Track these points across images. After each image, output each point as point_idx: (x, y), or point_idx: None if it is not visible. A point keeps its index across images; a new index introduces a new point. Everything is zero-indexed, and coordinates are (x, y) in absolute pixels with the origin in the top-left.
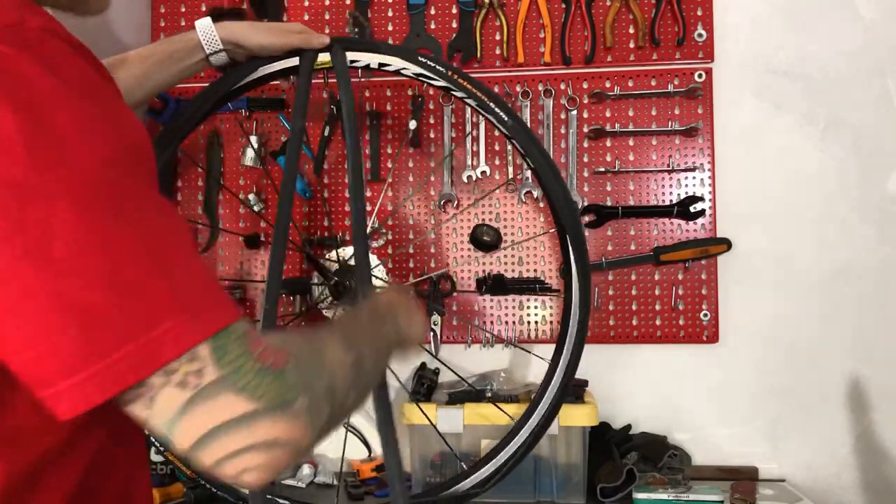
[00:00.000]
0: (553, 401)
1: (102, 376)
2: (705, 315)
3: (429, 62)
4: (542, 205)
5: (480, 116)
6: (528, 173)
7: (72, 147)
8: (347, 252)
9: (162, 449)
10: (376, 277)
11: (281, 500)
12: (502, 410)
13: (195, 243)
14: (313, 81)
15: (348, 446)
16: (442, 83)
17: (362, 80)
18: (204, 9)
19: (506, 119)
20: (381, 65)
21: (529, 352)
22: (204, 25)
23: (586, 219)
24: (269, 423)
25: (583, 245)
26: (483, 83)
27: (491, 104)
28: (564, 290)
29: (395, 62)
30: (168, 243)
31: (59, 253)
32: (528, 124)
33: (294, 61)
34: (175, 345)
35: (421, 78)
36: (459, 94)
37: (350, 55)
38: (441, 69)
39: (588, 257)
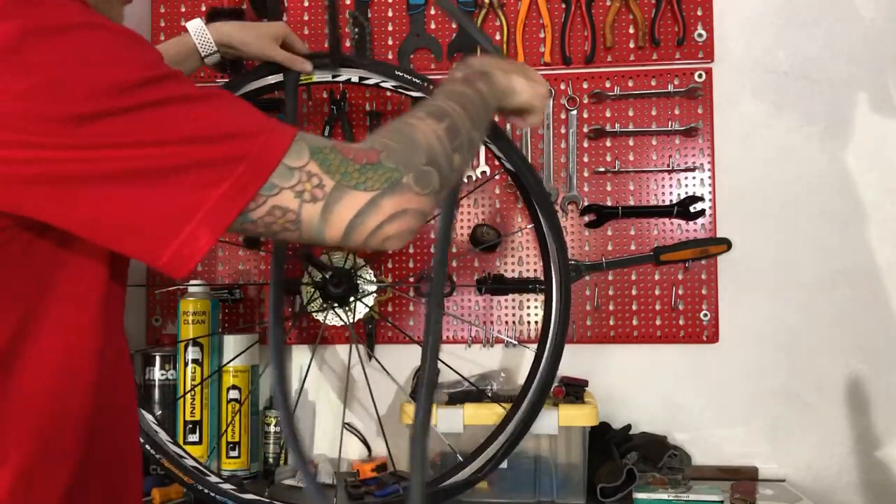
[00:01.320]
0: (539, 387)
1: (213, 213)
2: (705, 315)
3: (405, 75)
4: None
5: None
6: None
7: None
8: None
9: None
10: (363, 279)
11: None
12: (504, 409)
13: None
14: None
15: (348, 446)
16: (419, 94)
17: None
18: (204, 9)
19: None
20: (361, 79)
21: (529, 349)
22: (196, 28)
23: (586, 219)
24: (389, 201)
25: (554, 216)
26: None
27: None
28: (544, 270)
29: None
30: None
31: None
32: None
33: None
34: (278, 148)
35: (399, 91)
36: None
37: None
38: (417, 81)
39: (561, 232)
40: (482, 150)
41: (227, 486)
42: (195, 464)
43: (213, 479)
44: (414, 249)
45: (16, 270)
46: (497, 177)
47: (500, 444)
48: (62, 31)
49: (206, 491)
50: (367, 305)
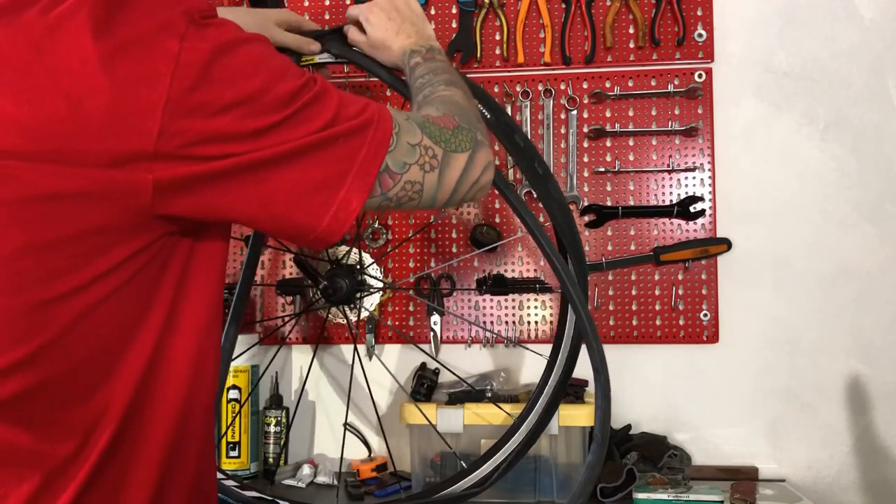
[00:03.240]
0: (550, 398)
1: (359, 175)
2: (705, 315)
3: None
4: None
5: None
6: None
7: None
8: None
9: None
10: (371, 276)
11: (281, 502)
12: (502, 410)
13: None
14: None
15: (348, 446)
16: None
17: (363, 79)
18: None
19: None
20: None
21: (529, 349)
22: None
23: (586, 219)
24: (479, 155)
25: (576, 235)
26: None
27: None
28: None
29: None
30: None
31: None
32: (529, 124)
33: None
34: (384, 136)
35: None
36: None
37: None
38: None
39: (581, 245)
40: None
41: (229, 482)
42: None
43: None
44: (415, 249)
45: (161, 276)
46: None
47: (510, 450)
48: (235, 46)
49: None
50: (366, 309)
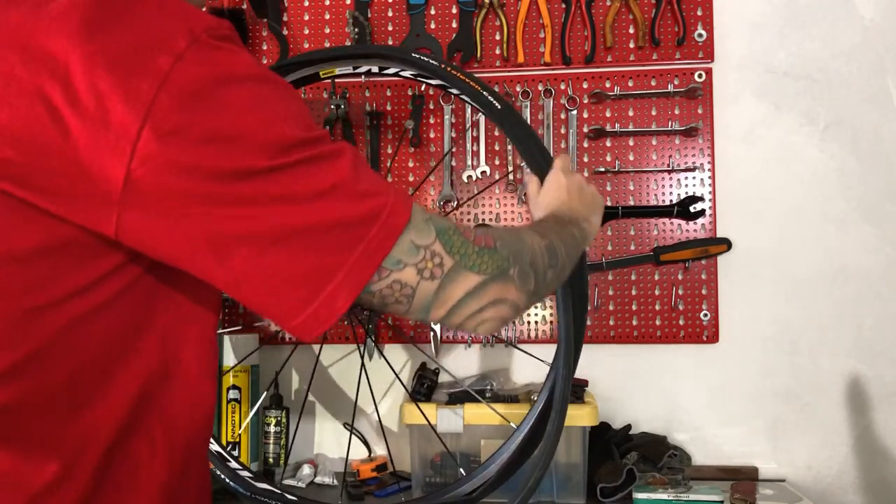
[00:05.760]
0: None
1: (351, 276)
2: (705, 315)
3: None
4: None
5: (481, 116)
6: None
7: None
8: None
9: None
10: None
11: (289, 496)
12: (497, 413)
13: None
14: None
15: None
16: (436, 81)
17: (364, 79)
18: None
19: (497, 106)
20: (381, 68)
21: (527, 352)
22: None
23: None
24: (495, 287)
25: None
26: (474, 76)
27: (484, 93)
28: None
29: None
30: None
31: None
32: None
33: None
34: (389, 234)
35: (419, 78)
36: (454, 91)
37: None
38: (434, 64)
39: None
40: (482, 149)
41: (245, 472)
42: (219, 449)
43: (234, 464)
44: None
45: (154, 292)
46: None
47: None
48: (239, 80)
49: (223, 477)
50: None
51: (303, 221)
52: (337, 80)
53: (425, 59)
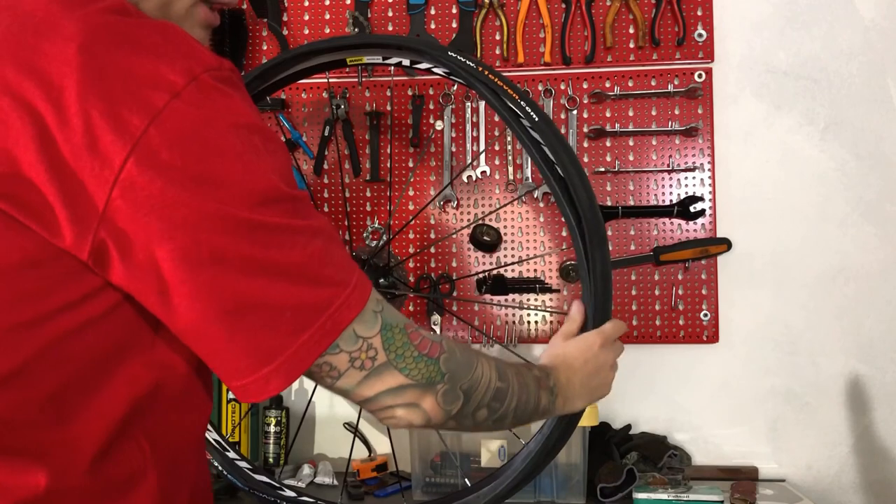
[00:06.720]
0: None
1: (289, 363)
2: (705, 315)
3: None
4: (541, 204)
5: (480, 115)
6: (528, 172)
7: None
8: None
9: None
10: (398, 279)
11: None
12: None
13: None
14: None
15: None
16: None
17: (364, 79)
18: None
19: (534, 117)
20: (412, 62)
21: (521, 357)
22: None
23: None
24: (414, 392)
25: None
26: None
27: (521, 102)
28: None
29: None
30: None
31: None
32: None
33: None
34: (334, 327)
35: (452, 77)
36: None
37: (383, 53)
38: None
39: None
40: (482, 149)
41: (243, 463)
42: (217, 437)
43: (232, 454)
44: (414, 249)
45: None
46: (497, 176)
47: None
48: (232, 127)
49: (219, 468)
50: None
51: (261, 296)
52: (339, 81)
53: (462, 58)
